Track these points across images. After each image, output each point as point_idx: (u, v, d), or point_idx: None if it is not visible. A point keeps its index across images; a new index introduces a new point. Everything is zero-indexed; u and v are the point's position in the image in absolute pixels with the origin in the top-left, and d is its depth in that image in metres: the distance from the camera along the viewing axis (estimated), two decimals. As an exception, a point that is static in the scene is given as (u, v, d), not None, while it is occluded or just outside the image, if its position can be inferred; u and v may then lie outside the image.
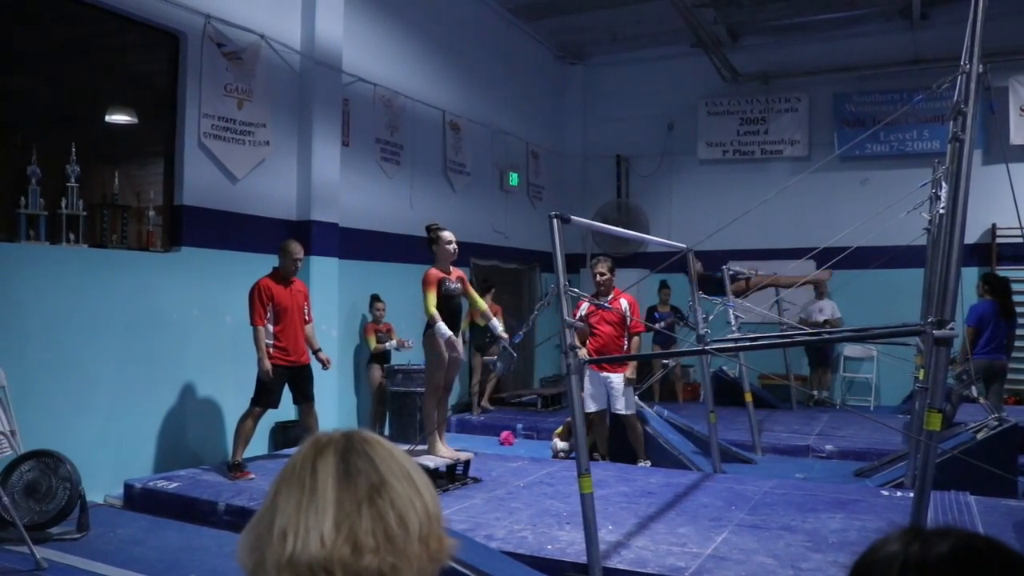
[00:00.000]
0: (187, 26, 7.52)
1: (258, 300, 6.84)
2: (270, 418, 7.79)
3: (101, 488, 6.44)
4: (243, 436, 6.79)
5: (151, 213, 7.40)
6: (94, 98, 7.32)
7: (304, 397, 7.13)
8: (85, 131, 7.12)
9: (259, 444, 7.79)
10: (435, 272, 6.60)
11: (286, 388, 7.04)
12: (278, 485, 1.07)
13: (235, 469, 6.65)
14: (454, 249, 6.69)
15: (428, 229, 6.81)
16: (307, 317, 7.23)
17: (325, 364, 7.29)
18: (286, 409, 7.93)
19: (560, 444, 8.39)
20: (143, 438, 7.06)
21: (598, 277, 7.75)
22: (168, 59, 7.59)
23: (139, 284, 7.05)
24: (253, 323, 6.83)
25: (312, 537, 1.00)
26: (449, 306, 6.67)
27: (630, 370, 7.76)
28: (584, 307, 7.51)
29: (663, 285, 12.04)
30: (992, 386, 8.25)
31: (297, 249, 7.09)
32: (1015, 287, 10.13)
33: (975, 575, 0.88)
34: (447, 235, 6.69)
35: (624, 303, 7.70)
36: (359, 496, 1.03)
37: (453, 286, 6.69)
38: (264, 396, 6.84)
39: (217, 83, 7.77)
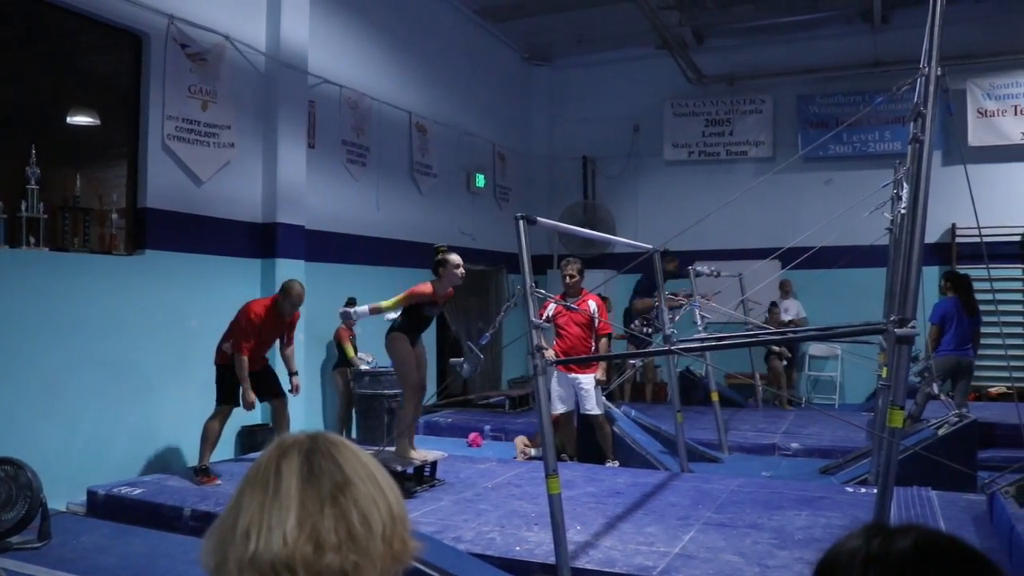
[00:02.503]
0: (150, 27, 7.44)
1: (248, 329, 6.73)
2: (236, 423, 7.73)
3: (63, 495, 6.34)
4: (210, 439, 6.72)
5: (114, 216, 7.31)
6: (55, 99, 7.21)
7: (273, 393, 7.08)
8: (46, 133, 7.01)
9: (226, 449, 7.72)
10: (427, 292, 6.40)
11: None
12: (243, 486, 1.07)
13: (201, 474, 6.58)
14: (461, 273, 6.48)
15: (436, 251, 6.57)
16: (288, 340, 7.17)
17: (295, 390, 7.21)
18: (252, 413, 7.89)
19: (532, 452, 8.39)
20: (106, 444, 6.96)
21: (568, 279, 7.76)
22: (131, 60, 7.50)
23: (102, 288, 6.96)
24: (236, 351, 6.68)
25: (275, 536, 1.00)
26: (420, 321, 6.64)
27: (600, 371, 7.78)
28: (551, 308, 7.51)
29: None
30: (959, 383, 8.37)
31: (300, 296, 6.95)
32: (976, 285, 10.30)
33: (934, 570, 0.90)
34: (455, 259, 6.44)
35: (592, 304, 7.72)
36: (322, 495, 1.03)
37: (432, 311, 6.68)
38: (228, 393, 6.78)
39: (181, 84, 7.69)
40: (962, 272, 9.22)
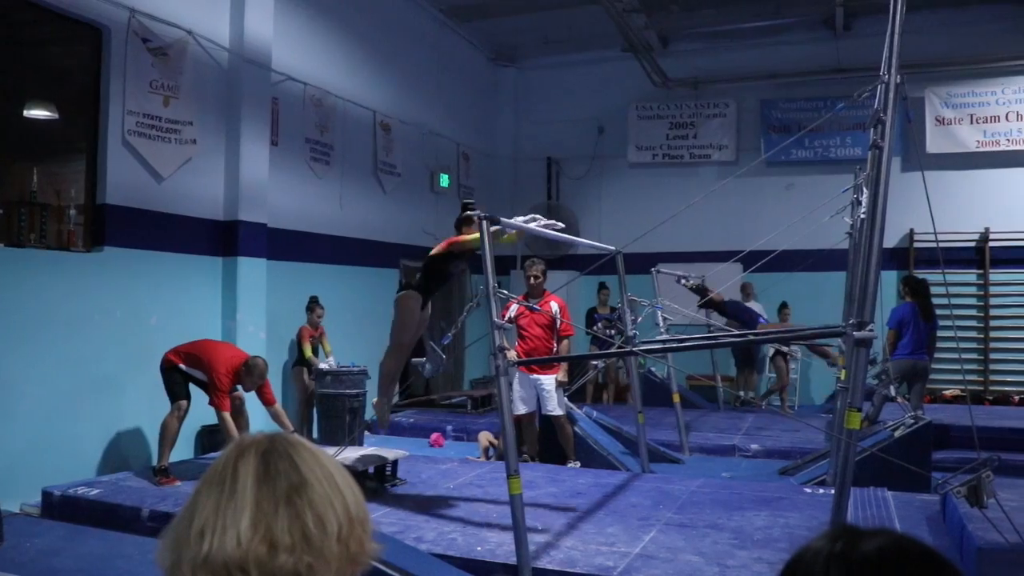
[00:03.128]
0: (110, 20, 7.33)
1: (222, 390, 6.67)
2: (195, 422, 7.65)
3: (17, 497, 6.23)
4: (167, 438, 6.64)
5: (72, 212, 7.20)
6: (11, 92, 7.09)
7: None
8: (1, 126, 6.89)
9: (186, 449, 7.63)
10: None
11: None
12: (200, 486, 1.07)
13: (161, 474, 6.50)
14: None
15: (464, 206, 6.20)
16: (268, 400, 7.04)
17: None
18: (211, 411, 7.80)
19: (497, 443, 8.39)
20: (63, 444, 6.83)
21: (532, 280, 7.76)
22: (91, 53, 7.38)
23: (59, 285, 6.84)
24: (217, 408, 6.66)
25: (229, 536, 1.00)
26: (440, 279, 6.22)
27: (561, 372, 7.80)
28: (513, 308, 7.52)
29: (602, 287, 12.15)
30: (915, 386, 8.49)
31: (263, 375, 6.88)
32: (932, 289, 10.47)
33: (894, 573, 0.91)
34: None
35: (554, 306, 7.74)
36: (278, 496, 1.03)
37: (457, 267, 6.26)
38: (178, 389, 6.76)
39: (142, 79, 7.59)
40: (920, 278, 9.36)
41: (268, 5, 8.94)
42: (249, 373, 6.78)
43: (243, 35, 8.63)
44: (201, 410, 7.05)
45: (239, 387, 7.01)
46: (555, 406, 7.66)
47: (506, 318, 6.97)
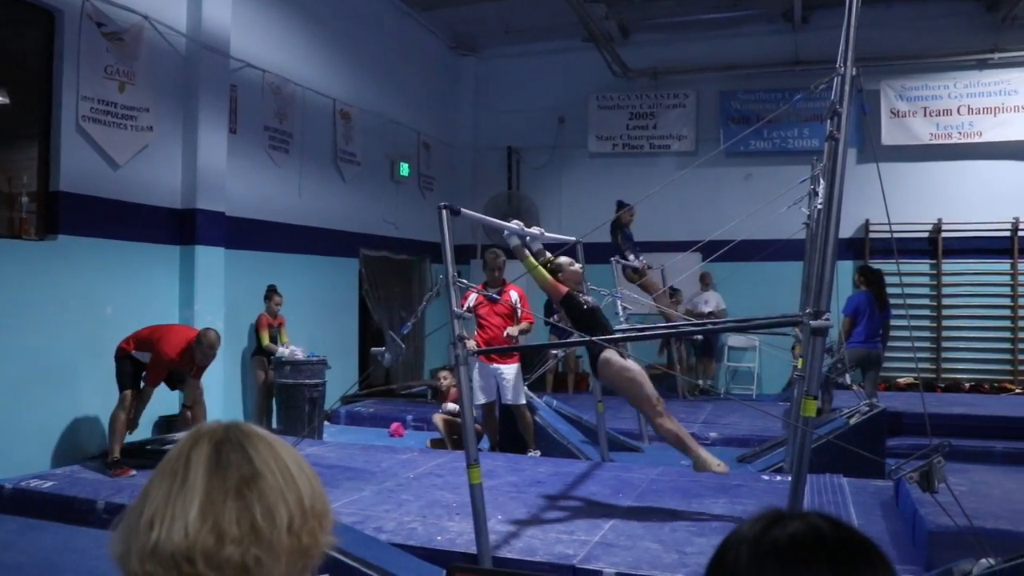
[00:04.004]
0: (64, 3, 7.17)
1: (159, 368, 6.66)
2: (153, 411, 7.57)
3: (-32, 488, 6.13)
4: (117, 429, 6.57)
5: (24, 199, 7.07)
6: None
7: (180, 380, 7.05)
8: (-50, 112, 6.75)
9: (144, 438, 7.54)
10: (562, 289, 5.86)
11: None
12: (154, 475, 1.07)
13: (114, 466, 6.43)
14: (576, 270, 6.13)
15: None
16: (196, 374, 6.95)
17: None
18: (170, 403, 7.73)
19: (450, 406, 8.39)
20: (15, 436, 6.70)
21: (497, 272, 7.76)
22: (43, 37, 7.21)
23: (10, 274, 6.71)
24: (147, 383, 6.70)
25: (177, 526, 0.99)
26: (586, 318, 5.87)
27: (515, 330, 7.76)
28: (472, 298, 7.51)
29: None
30: (868, 373, 8.64)
31: (214, 347, 6.73)
32: (887, 279, 10.62)
33: (810, 555, 0.92)
34: (565, 260, 6.07)
35: (514, 295, 7.74)
36: (227, 487, 1.03)
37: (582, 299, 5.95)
38: (126, 379, 6.72)
39: (97, 64, 7.44)
40: (875, 267, 9.51)
41: (226, -10, 8.83)
42: (199, 343, 6.67)
43: (201, 21, 8.50)
44: (161, 399, 6.99)
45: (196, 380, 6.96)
46: (515, 395, 7.67)
47: (465, 307, 6.96)
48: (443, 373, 8.83)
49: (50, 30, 7.22)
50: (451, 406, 8.55)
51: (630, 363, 5.71)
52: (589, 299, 6.00)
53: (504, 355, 7.58)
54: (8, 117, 7.38)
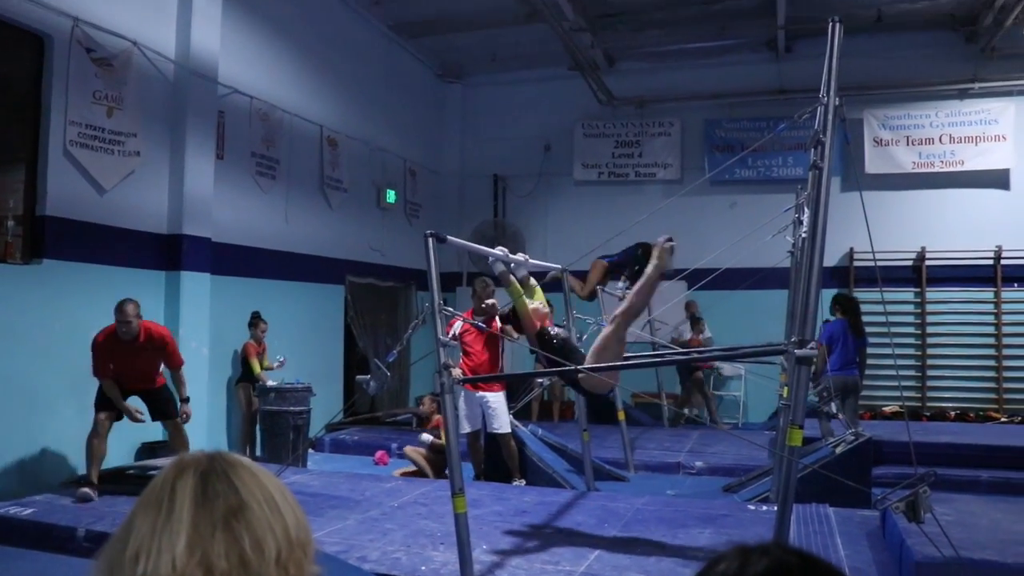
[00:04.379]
0: (53, 28, 7.18)
1: (95, 355, 6.53)
2: (135, 438, 7.51)
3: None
4: (93, 455, 6.47)
5: (10, 223, 7.03)
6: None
7: (163, 415, 6.87)
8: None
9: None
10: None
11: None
12: (137, 506, 1.05)
13: (81, 486, 6.35)
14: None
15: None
16: (171, 364, 6.85)
17: (183, 417, 6.91)
18: (153, 429, 7.67)
19: (425, 437, 8.39)
20: (-5, 463, 6.64)
21: (485, 305, 7.74)
22: (32, 62, 7.21)
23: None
24: (96, 376, 6.55)
25: (164, 560, 0.97)
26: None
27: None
28: (457, 325, 7.48)
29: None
30: (847, 401, 8.65)
31: (126, 314, 6.44)
32: (871, 307, 10.66)
33: None
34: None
35: (499, 322, 7.72)
36: (215, 519, 1.01)
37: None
38: (100, 400, 6.58)
39: (85, 89, 7.44)
40: (850, 295, 9.53)
41: (215, 17, 8.85)
42: (115, 314, 6.49)
43: (189, 47, 8.52)
44: (143, 425, 6.92)
45: (184, 407, 6.89)
46: (501, 424, 7.63)
47: (450, 335, 6.94)
48: (426, 399, 8.82)
49: (40, 55, 7.22)
50: (426, 437, 8.53)
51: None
52: (559, 332, 5.93)
53: (490, 383, 7.55)
54: (-5, 141, 7.36)
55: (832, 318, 9.01)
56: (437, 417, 8.63)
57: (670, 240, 5.07)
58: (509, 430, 7.72)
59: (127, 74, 7.87)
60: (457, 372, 6.17)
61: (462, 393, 7.46)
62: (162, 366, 6.90)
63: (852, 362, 8.66)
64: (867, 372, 9.53)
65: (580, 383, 5.32)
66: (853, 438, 7.20)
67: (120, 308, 6.46)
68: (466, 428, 7.64)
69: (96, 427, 6.53)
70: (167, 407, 6.88)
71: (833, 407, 8.06)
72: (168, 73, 8.46)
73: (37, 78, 7.23)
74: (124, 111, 7.83)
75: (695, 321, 12.04)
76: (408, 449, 8.52)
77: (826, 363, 8.46)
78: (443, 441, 8.31)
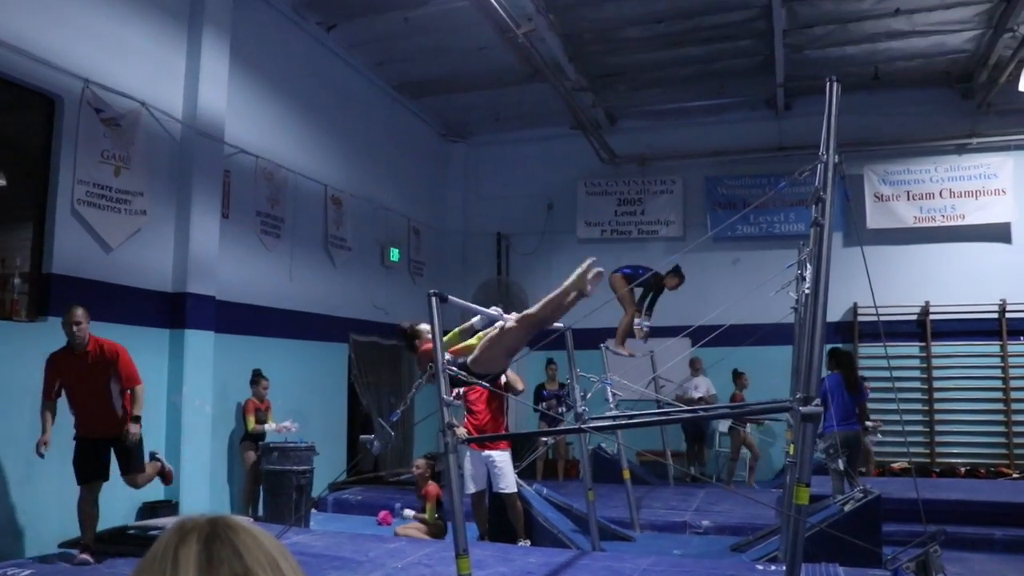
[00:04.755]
0: (64, 89, 7.29)
1: (46, 374, 6.34)
2: (136, 496, 7.43)
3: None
4: (83, 518, 6.34)
5: (16, 280, 7.05)
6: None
7: (123, 470, 6.61)
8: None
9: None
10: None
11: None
12: (138, 572, 1.03)
13: (81, 551, 6.28)
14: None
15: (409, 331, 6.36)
16: (122, 381, 6.47)
17: (129, 436, 6.45)
18: (155, 488, 7.61)
19: (409, 513, 8.34)
20: (-5, 525, 6.57)
21: None
22: (43, 122, 7.30)
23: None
24: (43, 396, 6.35)
25: None
26: None
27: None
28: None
29: (549, 362, 12.14)
30: (850, 456, 8.55)
31: (71, 315, 6.25)
32: (877, 362, 10.62)
33: None
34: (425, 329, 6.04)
35: (503, 380, 7.67)
36: None
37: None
38: (77, 471, 6.39)
39: (94, 149, 7.52)
40: (844, 349, 9.46)
41: (222, 78, 8.98)
42: (64, 317, 6.32)
43: (196, 107, 8.64)
44: (144, 488, 6.86)
45: (132, 426, 6.50)
46: (507, 483, 7.55)
47: (453, 394, 6.90)
48: (418, 463, 8.68)
49: (50, 115, 7.32)
50: (409, 513, 8.45)
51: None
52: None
53: (495, 442, 7.49)
54: (4, 199, 7.41)
55: (827, 373, 8.98)
56: (430, 485, 8.55)
57: (593, 265, 5.12)
58: (515, 489, 7.64)
59: (135, 134, 7.97)
60: (461, 431, 6.11)
61: (467, 453, 7.40)
62: (128, 406, 6.55)
63: (851, 416, 8.56)
64: (882, 428, 9.44)
65: (471, 366, 5.30)
66: (862, 495, 7.11)
67: (69, 310, 6.27)
68: (471, 488, 7.56)
69: (83, 494, 6.37)
70: (127, 461, 6.60)
71: (840, 464, 7.98)
72: (175, 133, 8.56)
73: (47, 137, 7.32)
74: (131, 170, 7.91)
75: (737, 376, 11.95)
76: (399, 530, 8.42)
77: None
78: (425, 515, 8.32)
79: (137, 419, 6.52)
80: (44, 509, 7.02)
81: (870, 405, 9.60)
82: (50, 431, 6.30)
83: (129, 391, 6.55)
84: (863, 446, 11.37)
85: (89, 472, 6.39)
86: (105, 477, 6.50)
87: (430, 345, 5.62)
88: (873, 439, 11.46)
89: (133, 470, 6.65)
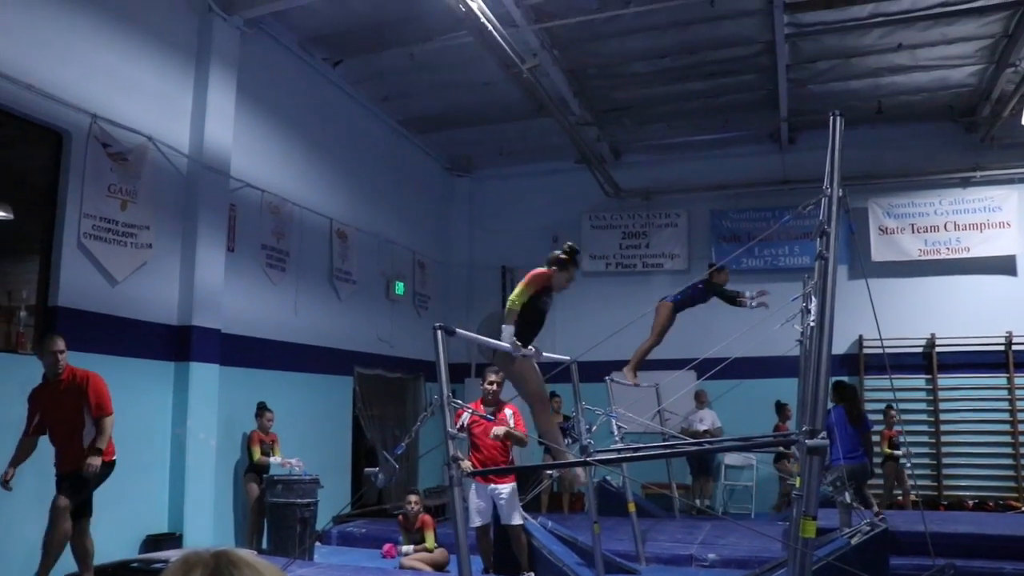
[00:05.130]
0: (72, 124, 7.35)
1: (29, 407, 6.23)
2: (140, 530, 7.41)
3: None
4: (77, 554, 6.17)
5: (22, 313, 7.07)
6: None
7: (77, 511, 6.17)
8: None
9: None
10: (545, 275, 6.00)
11: None
12: None
13: None
14: (567, 286, 6.23)
15: (570, 249, 6.27)
16: (92, 410, 6.17)
17: (86, 468, 6.05)
18: (159, 520, 7.59)
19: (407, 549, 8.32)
20: (1, 556, 6.54)
21: (488, 386, 7.68)
22: (50, 156, 7.36)
23: (4, 388, 6.64)
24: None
25: None
26: (534, 317, 5.95)
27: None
28: (465, 416, 7.40)
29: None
30: (859, 489, 8.53)
31: (49, 345, 6.12)
32: (883, 395, 10.58)
33: None
34: (574, 271, 6.24)
35: (508, 412, 7.66)
36: None
37: (547, 302, 6.12)
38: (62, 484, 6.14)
39: (101, 183, 7.57)
40: (846, 383, 9.44)
41: (228, 112, 9.06)
42: (41, 351, 6.18)
43: (203, 142, 8.70)
44: (150, 517, 6.82)
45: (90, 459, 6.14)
46: (514, 516, 7.50)
47: (458, 426, 6.88)
48: (412, 498, 8.62)
49: (58, 150, 7.38)
50: (407, 549, 8.42)
51: (524, 366, 5.88)
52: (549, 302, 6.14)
53: (500, 474, 7.46)
54: (11, 232, 7.46)
55: (832, 406, 8.97)
56: (424, 516, 8.52)
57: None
58: (521, 522, 7.59)
59: (142, 168, 8.02)
60: (467, 465, 6.10)
61: (472, 486, 7.37)
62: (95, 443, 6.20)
63: (856, 448, 8.56)
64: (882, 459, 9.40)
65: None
66: (869, 528, 7.07)
67: (50, 339, 6.13)
68: (476, 522, 7.52)
69: (71, 530, 6.04)
70: (77, 494, 6.17)
71: (847, 497, 7.93)
72: (181, 167, 8.62)
73: (54, 172, 7.37)
74: (138, 204, 7.96)
75: (780, 408, 11.91)
76: (404, 561, 8.37)
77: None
78: (426, 543, 8.29)
79: (99, 452, 6.12)
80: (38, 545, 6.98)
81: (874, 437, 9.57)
82: (19, 465, 6.11)
83: (97, 420, 6.20)
84: (896, 471, 11.32)
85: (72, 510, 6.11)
86: (87, 513, 6.31)
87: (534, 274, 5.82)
88: (905, 464, 11.44)
89: (80, 514, 6.23)
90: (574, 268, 6.18)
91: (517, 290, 5.77)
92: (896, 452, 11.32)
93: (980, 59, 11.03)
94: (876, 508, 7.86)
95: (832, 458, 8.25)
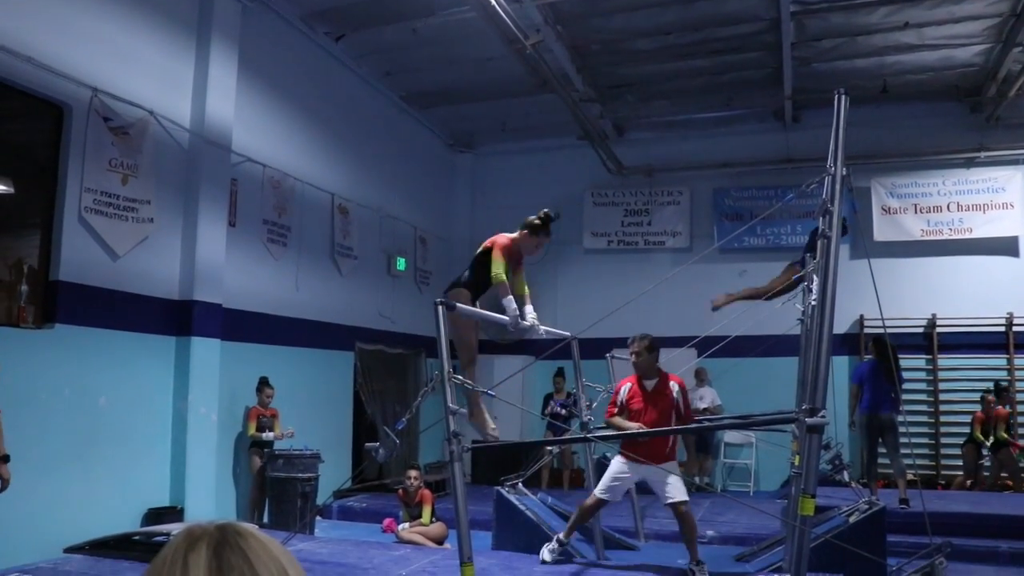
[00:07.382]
0: (73, 98, 7.33)
1: None
2: (141, 505, 7.46)
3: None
4: None
5: (24, 288, 7.08)
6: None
7: None
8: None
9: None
10: (505, 245, 6.16)
11: None
12: None
13: None
14: (539, 253, 6.44)
15: (546, 215, 6.34)
16: None
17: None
18: (160, 494, 7.63)
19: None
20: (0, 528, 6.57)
21: (636, 358, 6.81)
22: (51, 130, 7.34)
23: (6, 362, 6.65)
24: None
25: None
26: (488, 278, 6.16)
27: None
28: (624, 389, 6.79)
29: (558, 372, 12.13)
30: (886, 439, 9.01)
31: None
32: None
33: None
34: (546, 237, 6.36)
35: (674, 386, 6.86)
36: None
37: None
38: None
39: (101, 157, 7.56)
40: (885, 339, 9.38)
41: (230, 87, 9.03)
42: None
43: (204, 116, 8.68)
44: (151, 489, 6.86)
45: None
46: (676, 493, 6.49)
47: (618, 400, 6.62)
48: (412, 473, 8.61)
49: (58, 124, 7.36)
50: (404, 526, 8.46)
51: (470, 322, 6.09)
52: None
53: (657, 453, 6.51)
54: (12, 206, 7.45)
55: (867, 357, 9.24)
56: (424, 490, 8.57)
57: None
58: (686, 497, 6.55)
59: (143, 142, 8.00)
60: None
61: (622, 463, 6.62)
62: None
63: (883, 401, 8.83)
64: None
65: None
66: (867, 506, 7.10)
67: None
68: (606, 496, 6.66)
69: None
70: None
71: (846, 475, 7.98)
72: (183, 142, 8.60)
73: (55, 146, 7.35)
74: (139, 178, 7.94)
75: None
76: (402, 534, 8.40)
77: (858, 401, 9.10)
78: (422, 519, 8.34)
79: (7, 458, 5.90)
80: (49, 513, 7.03)
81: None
82: None
83: None
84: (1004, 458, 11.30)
85: None
86: None
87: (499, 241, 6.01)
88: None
89: None
90: (545, 235, 6.24)
91: (496, 262, 5.95)
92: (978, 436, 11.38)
93: (987, 38, 10.96)
94: (875, 490, 7.93)
95: (861, 408, 8.62)
